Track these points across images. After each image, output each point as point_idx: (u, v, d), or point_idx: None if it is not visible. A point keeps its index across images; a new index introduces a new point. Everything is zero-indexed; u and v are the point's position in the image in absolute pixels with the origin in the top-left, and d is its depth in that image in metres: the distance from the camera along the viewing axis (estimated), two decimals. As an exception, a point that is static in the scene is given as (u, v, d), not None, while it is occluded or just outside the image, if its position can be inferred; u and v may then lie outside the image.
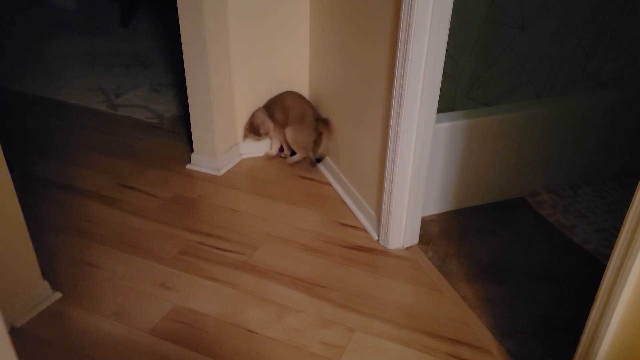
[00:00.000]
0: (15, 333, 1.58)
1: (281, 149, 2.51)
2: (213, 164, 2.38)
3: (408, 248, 1.97)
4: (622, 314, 1.15)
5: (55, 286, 1.73)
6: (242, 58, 2.31)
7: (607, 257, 1.17)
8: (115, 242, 1.95)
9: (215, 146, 2.35)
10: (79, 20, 4.32)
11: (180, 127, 2.78)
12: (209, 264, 1.87)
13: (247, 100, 2.41)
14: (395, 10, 1.65)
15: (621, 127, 2.27)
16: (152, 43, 3.91)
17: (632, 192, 2.24)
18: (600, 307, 1.19)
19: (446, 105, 2.55)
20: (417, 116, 1.72)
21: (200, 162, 2.41)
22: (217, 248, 1.94)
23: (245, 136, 2.43)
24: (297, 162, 2.44)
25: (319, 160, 2.35)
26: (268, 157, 2.52)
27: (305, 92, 2.49)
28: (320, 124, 2.33)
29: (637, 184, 1.08)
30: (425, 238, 2.01)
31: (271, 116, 2.39)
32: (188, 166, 2.43)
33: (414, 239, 1.98)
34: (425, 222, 2.07)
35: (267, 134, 2.41)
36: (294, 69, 2.44)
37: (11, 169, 1.51)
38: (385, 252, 1.95)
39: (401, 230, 1.93)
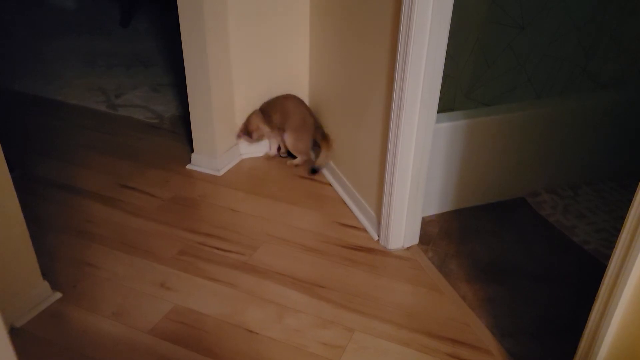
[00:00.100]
0: (15, 333, 1.58)
1: (279, 149, 2.52)
2: (213, 164, 2.38)
3: (408, 248, 1.97)
4: (622, 314, 1.15)
5: (55, 286, 1.73)
6: (242, 58, 2.31)
7: (607, 257, 1.17)
8: (115, 243, 1.95)
9: (215, 146, 2.35)
10: (79, 20, 4.32)
11: (180, 127, 2.78)
12: (208, 264, 1.87)
13: (247, 100, 2.41)
14: (395, 10, 1.65)
15: (621, 127, 2.27)
16: (152, 43, 3.91)
17: (632, 192, 2.24)
18: (600, 308, 1.19)
19: (446, 105, 2.55)
20: (417, 116, 1.72)
21: (200, 162, 2.41)
22: (217, 248, 1.94)
23: (239, 137, 2.43)
24: (297, 166, 2.44)
25: (315, 171, 2.35)
26: (268, 157, 2.52)
27: (305, 92, 2.49)
28: (319, 135, 2.35)
29: (637, 184, 1.08)
30: (425, 238, 2.01)
31: (268, 118, 2.38)
32: (188, 166, 2.43)
33: (414, 239, 1.98)
34: (425, 222, 2.07)
35: (259, 139, 2.41)
36: (294, 70, 2.44)
37: (11, 169, 1.51)
38: (385, 252, 1.95)
39: (401, 230, 1.93)
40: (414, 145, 1.77)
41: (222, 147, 2.38)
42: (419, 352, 1.56)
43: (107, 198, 2.20)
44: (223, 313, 1.67)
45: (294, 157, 2.46)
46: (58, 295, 1.71)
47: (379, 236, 1.99)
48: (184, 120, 2.84)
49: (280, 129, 2.39)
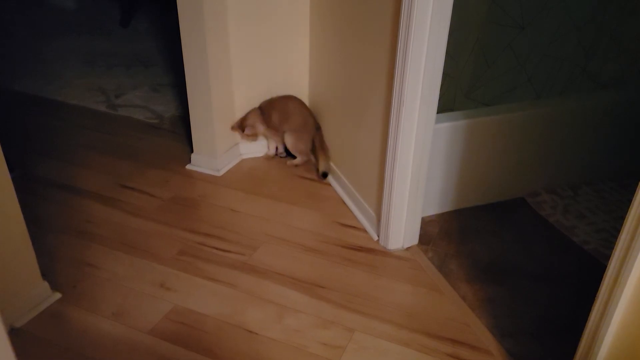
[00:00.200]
0: (14, 333, 1.58)
1: (277, 149, 2.51)
2: (213, 164, 2.38)
3: (408, 248, 1.97)
4: (622, 314, 1.15)
5: (55, 286, 1.73)
6: (242, 58, 2.31)
7: (607, 257, 1.17)
8: (115, 243, 1.95)
9: (215, 146, 2.35)
10: (79, 20, 4.32)
11: (180, 127, 2.78)
12: (208, 264, 1.87)
13: (247, 101, 2.40)
14: (395, 10, 1.65)
15: (621, 127, 2.27)
16: (152, 43, 3.91)
17: (632, 192, 2.23)
18: (600, 308, 1.18)
19: (446, 105, 2.55)
20: (417, 116, 1.72)
21: (200, 162, 2.41)
22: (217, 248, 1.94)
23: (233, 128, 2.42)
24: (297, 166, 2.44)
25: (326, 175, 2.35)
26: (268, 158, 2.52)
27: (305, 92, 2.49)
28: (318, 140, 2.36)
29: (637, 184, 1.08)
30: (425, 238, 2.01)
31: (267, 117, 2.38)
32: (188, 166, 2.43)
33: (414, 239, 1.98)
34: (425, 223, 2.07)
35: (252, 136, 2.39)
36: (294, 69, 2.44)
37: (11, 169, 1.51)
38: (385, 253, 1.95)
39: (401, 230, 1.93)
40: (414, 144, 1.77)
41: (222, 147, 2.38)
42: (419, 352, 1.56)
43: (107, 198, 2.20)
44: (223, 313, 1.67)
45: (293, 157, 2.46)
46: (58, 295, 1.71)
47: (378, 236, 1.99)
48: (183, 120, 2.84)
49: (277, 129, 2.39)
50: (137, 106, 2.99)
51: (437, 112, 1.79)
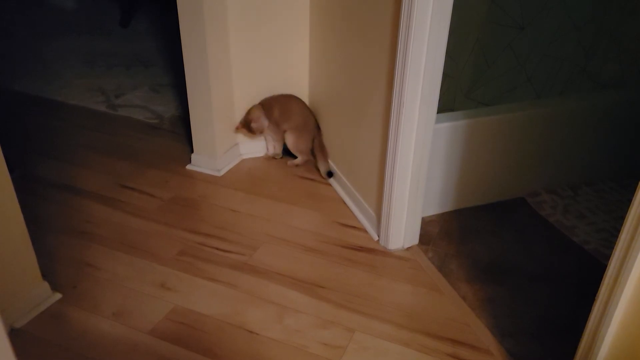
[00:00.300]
0: (15, 334, 1.58)
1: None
2: (213, 164, 2.38)
3: (408, 248, 1.97)
4: (622, 314, 1.15)
5: (55, 287, 1.73)
6: (242, 58, 2.31)
7: (607, 257, 1.17)
8: (115, 243, 1.95)
9: (215, 147, 2.35)
10: (79, 21, 4.32)
11: (180, 127, 2.78)
12: (208, 264, 1.87)
13: (247, 101, 2.40)
14: (395, 10, 1.65)
15: (621, 127, 2.27)
16: (152, 43, 3.91)
17: (632, 192, 2.23)
18: (600, 308, 1.18)
19: (446, 105, 2.55)
20: (417, 116, 1.72)
21: (200, 162, 2.41)
22: (217, 248, 1.94)
23: (237, 129, 2.42)
24: (297, 166, 2.44)
25: (331, 174, 2.35)
26: (267, 158, 2.52)
27: (305, 92, 2.49)
28: (317, 142, 2.37)
29: (637, 184, 1.08)
30: (425, 238, 2.01)
31: (269, 112, 2.37)
32: (188, 167, 2.43)
33: (414, 239, 1.98)
34: (425, 223, 2.07)
35: (260, 132, 2.39)
36: (294, 69, 2.44)
37: (11, 169, 1.51)
38: (385, 253, 1.95)
39: (401, 230, 1.93)
40: (414, 144, 1.77)
41: (222, 147, 2.38)
42: (419, 352, 1.56)
43: (107, 198, 2.20)
44: (223, 313, 1.67)
45: (290, 157, 2.46)
46: (58, 295, 1.71)
47: (379, 236, 1.99)
48: (183, 120, 2.84)
49: (279, 125, 2.38)
50: (137, 106, 2.99)
51: (437, 112, 1.79)
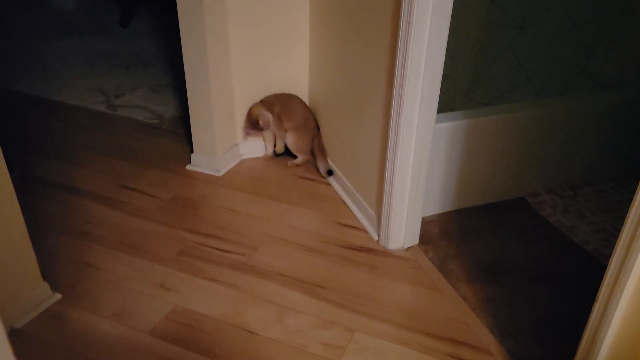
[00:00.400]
0: (14, 334, 1.58)
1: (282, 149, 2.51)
2: (213, 164, 2.38)
3: (408, 248, 1.97)
4: (622, 314, 1.15)
5: (55, 287, 1.73)
6: (242, 58, 2.31)
7: (607, 257, 1.17)
8: (115, 243, 1.95)
9: (215, 147, 2.35)
10: (79, 21, 4.32)
11: (180, 127, 2.77)
12: (208, 264, 1.87)
13: (247, 101, 2.40)
14: (395, 10, 1.65)
15: (621, 127, 2.27)
16: (151, 43, 3.91)
17: (632, 192, 2.24)
18: (600, 308, 1.18)
19: (446, 105, 2.55)
20: (417, 116, 1.72)
21: (200, 162, 2.41)
22: (217, 249, 1.94)
23: (247, 133, 2.42)
24: (297, 166, 2.44)
25: (331, 172, 2.35)
26: (267, 158, 2.52)
27: (305, 92, 2.49)
28: (317, 140, 2.37)
29: (637, 184, 1.08)
30: (425, 238, 2.01)
31: (269, 106, 2.37)
32: (188, 167, 2.43)
33: (414, 239, 1.98)
34: (426, 223, 2.07)
35: (268, 126, 2.37)
36: (294, 70, 2.44)
37: (11, 169, 1.51)
38: (385, 253, 1.95)
39: (401, 230, 1.93)
40: (414, 144, 1.77)
41: (222, 147, 2.38)
42: (419, 353, 1.56)
43: (107, 198, 2.20)
44: (223, 313, 1.67)
45: (293, 156, 2.46)
46: (58, 296, 1.71)
47: (379, 236, 1.99)
48: (183, 120, 2.84)
49: (280, 120, 2.37)
50: (136, 106, 2.99)
51: (437, 112, 1.79)
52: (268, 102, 2.38)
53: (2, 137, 1.73)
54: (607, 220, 2.13)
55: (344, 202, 2.21)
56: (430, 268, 1.87)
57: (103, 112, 2.93)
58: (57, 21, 4.28)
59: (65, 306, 1.68)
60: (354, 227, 2.08)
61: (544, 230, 2.08)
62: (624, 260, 1.10)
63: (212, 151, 2.36)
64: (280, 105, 2.37)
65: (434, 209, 2.13)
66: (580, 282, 1.83)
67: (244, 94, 2.39)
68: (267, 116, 2.34)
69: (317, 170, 2.39)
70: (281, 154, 2.51)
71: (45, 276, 1.70)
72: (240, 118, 2.43)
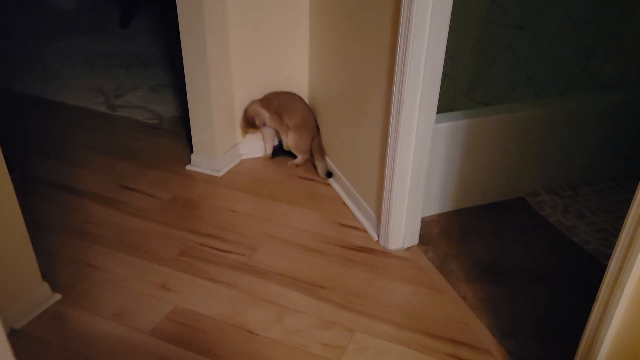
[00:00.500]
0: (14, 335, 1.58)
1: (279, 145, 2.50)
2: (213, 164, 2.38)
3: (408, 248, 1.97)
4: (623, 314, 1.15)
5: (55, 287, 1.73)
6: (242, 58, 2.31)
7: (607, 257, 1.17)
8: (115, 243, 1.95)
9: (215, 147, 2.35)
10: (79, 21, 4.32)
11: (180, 127, 2.78)
12: (209, 264, 1.87)
13: (247, 101, 2.40)
14: (395, 10, 1.65)
15: (621, 127, 2.27)
16: (151, 44, 3.91)
17: (632, 192, 2.24)
18: (601, 308, 1.18)
19: (446, 105, 2.55)
20: (417, 116, 1.72)
21: (200, 162, 2.41)
22: (217, 249, 1.94)
23: (245, 132, 2.42)
24: (297, 166, 2.44)
25: (330, 174, 2.35)
26: (267, 158, 2.52)
27: (305, 92, 2.49)
28: (316, 139, 2.36)
29: (637, 184, 1.08)
30: (425, 238, 2.01)
31: (267, 103, 2.36)
32: (188, 167, 2.43)
33: (414, 240, 1.98)
34: (425, 223, 2.07)
35: (264, 125, 2.38)
36: (294, 70, 2.44)
37: (11, 169, 1.51)
38: (385, 253, 1.95)
39: (401, 230, 1.93)
40: (414, 144, 1.77)
41: (221, 147, 2.38)
42: (419, 353, 1.56)
43: (106, 199, 2.20)
44: (223, 314, 1.67)
45: (293, 156, 2.46)
46: (58, 296, 1.71)
47: (378, 236, 1.99)
48: (183, 120, 2.84)
49: (280, 116, 2.37)
50: (136, 107, 2.99)
51: (437, 112, 1.79)
52: (266, 100, 2.37)
53: (2, 137, 1.73)
54: (607, 220, 2.13)
55: (344, 202, 2.21)
56: (430, 268, 1.87)
57: (103, 112, 2.93)
58: (57, 21, 4.28)
59: (65, 306, 1.68)
60: (353, 227, 2.07)
61: (544, 230, 2.08)
62: (624, 260, 1.10)
63: (212, 151, 2.36)
64: (278, 102, 2.37)
65: (433, 209, 2.13)
66: (580, 282, 1.83)
67: (244, 94, 2.39)
68: (263, 115, 2.34)
69: (315, 170, 2.39)
70: (282, 153, 2.51)
71: (45, 276, 1.70)
72: (240, 118, 2.43)
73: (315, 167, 2.40)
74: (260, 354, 1.54)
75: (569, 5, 2.53)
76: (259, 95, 2.40)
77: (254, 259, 1.89)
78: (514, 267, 1.89)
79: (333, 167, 2.33)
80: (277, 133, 2.47)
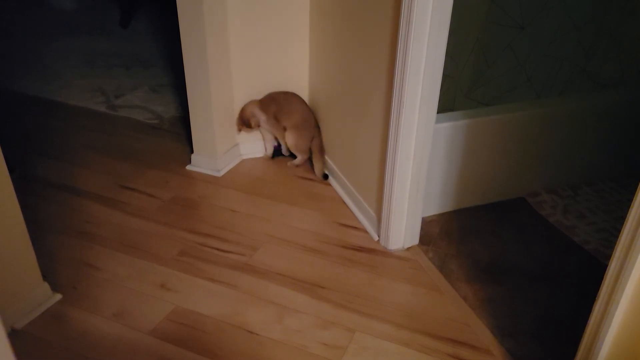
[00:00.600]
0: (15, 335, 1.58)
1: (279, 146, 2.50)
2: (213, 164, 2.38)
3: (408, 248, 1.97)
4: (623, 314, 1.15)
5: (55, 287, 1.73)
6: (242, 58, 2.31)
7: (608, 257, 1.17)
8: (115, 243, 1.95)
9: (215, 147, 2.35)
10: (79, 21, 4.32)
11: (180, 127, 2.77)
12: (209, 264, 1.87)
13: (247, 101, 2.40)
14: (395, 10, 1.65)
15: (621, 127, 2.27)
16: (151, 43, 3.91)
17: (632, 192, 2.24)
18: (601, 308, 1.18)
19: (446, 105, 2.55)
20: (417, 116, 1.72)
21: (200, 162, 2.41)
22: (217, 249, 1.94)
23: (239, 129, 2.42)
24: (297, 166, 2.44)
25: (327, 176, 2.35)
26: (267, 158, 2.52)
27: (305, 92, 2.49)
28: (317, 139, 2.36)
29: (637, 184, 1.08)
30: (425, 238, 2.01)
31: (265, 106, 2.36)
32: (188, 167, 2.43)
33: (414, 240, 1.98)
34: (426, 223, 2.07)
35: (258, 126, 2.38)
36: (294, 70, 2.44)
37: (11, 169, 1.51)
38: (385, 253, 1.95)
39: (401, 230, 1.93)
40: (414, 144, 1.77)
41: (222, 147, 2.38)
42: (419, 353, 1.56)
43: (107, 199, 2.20)
44: (223, 314, 1.67)
45: (293, 157, 2.46)
46: (58, 296, 1.71)
47: (379, 236, 1.99)
48: (183, 121, 2.84)
49: (277, 120, 2.37)
50: (136, 107, 2.99)
51: (437, 112, 1.79)
52: (265, 102, 2.37)
53: (2, 137, 1.73)
54: (607, 220, 2.13)
55: (344, 202, 2.21)
56: (430, 268, 1.87)
57: (103, 112, 2.93)
58: (57, 21, 4.28)
59: (66, 306, 1.68)
60: (354, 227, 2.08)
61: (544, 230, 2.08)
62: (625, 260, 1.10)
63: (212, 151, 2.36)
64: (277, 106, 2.37)
65: (434, 209, 2.13)
66: (580, 282, 1.83)
67: (244, 94, 2.39)
68: (259, 117, 2.34)
69: (312, 169, 2.39)
70: (281, 155, 2.51)
71: (45, 276, 1.70)
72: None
73: (312, 167, 2.40)
74: (260, 354, 1.54)
75: (569, 5, 2.53)
76: (259, 96, 2.41)
77: (254, 259, 1.89)
78: (514, 267, 1.89)
79: (333, 167, 2.33)
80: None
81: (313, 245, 1.97)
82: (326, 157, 2.39)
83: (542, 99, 2.70)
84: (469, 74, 2.61)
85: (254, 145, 2.52)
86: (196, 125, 2.35)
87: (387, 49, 1.73)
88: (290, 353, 1.55)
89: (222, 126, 2.35)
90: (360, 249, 1.96)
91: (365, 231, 2.05)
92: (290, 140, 2.39)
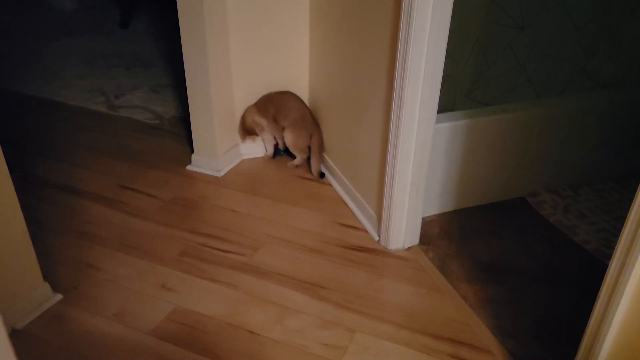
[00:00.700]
0: (15, 335, 1.58)
1: (277, 146, 2.51)
2: (213, 164, 2.38)
3: (408, 248, 1.97)
4: (623, 314, 1.15)
5: (55, 288, 1.73)
6: (242, 58, 2.31)
7: (608, 257, 1.17)
8: (116, 244, 1.95)
9: (216, 147, 2.35)
10: (79, 21, 4.32)
11: (180, 128, 2.78)
12: (209, 265, 1.87)
13: (247, 101, 2.40)
14: (395, 11, 1.65)
15: (621, 127, 2.27)
16: (151, 44, 3.91)
17: (632, 192, 2.24)
18: (601, 308, 1.19)
19: (446, 105, 2.55)
20: (417, 116, 1.72)
21: (201, 163, 2.41)
22: (218, 249, 1.94)
23: (243, 139, 2.43)
24: (297, 166, 2.44)
25: (323, 175, 2.36)
26: (268, 158, 2.52)
27: (305, 92, 2.49)
28: (316, 137, 2.36)
29: (637, 184, 1.08)
30: (425, 238, 2.01)
31: (263, 110, 2.36)
32: (188, 167, 2.43)
33: (415, 240, 1.98)
34: (426, 223, 2.07)
35: (262, 131, 2.39)
36: (294, 70, 2.44)
37: (11, 169, 1.51)
38: (385, 253, 1.95)
39: (402, 230, 1.93)
40: (414, 144, 1.77)
41: (222, 147, 2.38)
42: (419, 353, 1.56)
43: (107, 199, 2.20)
44: (224, 314, 1.67)
45: (292, 157, 2.46)
46: (59, 296, 1.71)
47: (379, 236, 2.00)
48: (184, 121, 2.84)
49: (276, 120, 2.38)
50: (137, 107, 2.99)
51: (437, 112, 1.79)
52: (262, 106, 2.37)
53: (2, 137, 1.73)
54: (607, 220, 2.13)
55: (344, 202, 2.21)
56: (430, 268, 1.87)
57: (103, 112, 2.93)
58: (57, 21, 4.28)
59: (66, 307, 1.68)
60: (354, 227, 2.08)
61: (544, 230, 2.08)
62: (625, 260, 1.10)
63: (213, 151, 2.36)
64: (274, 107, 2.37)
65: (434, 209, 2.13)
66: (580, 282, 1.83)
67: (244, 94, 2.39)
68: (261, 124, 2.36)
69: (309, 168, 2.39)
70: (282, 153, 2.51)
71: (46, 277, 1.70)
72: (239, 122, 2.43)
73: (309, 165, 2.40)
74: (261, 354, 1.54)
75: (569, 5, 2.53)
76: (259, 96, 2.41)
77: (255, 259, 1.90)
78: (514, 267, 1.89)
79: (333, 167, 2.33)
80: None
81: (313, 245, 1.97)
82: (326, 157, 2.39)
83: (542, 99, 2.70)
84: (469, 74, 2.61)
85: (254, 145, 2.52)
86: (196, 125, 2.35)
87: (387, 49, 1.73)
88: (291, 353, 1.55)
89: (222, 126, 2.35)
90: (360, 249, 1.96)
91: (366, 231, 2.05)
92: (288, 139, 2.39)
